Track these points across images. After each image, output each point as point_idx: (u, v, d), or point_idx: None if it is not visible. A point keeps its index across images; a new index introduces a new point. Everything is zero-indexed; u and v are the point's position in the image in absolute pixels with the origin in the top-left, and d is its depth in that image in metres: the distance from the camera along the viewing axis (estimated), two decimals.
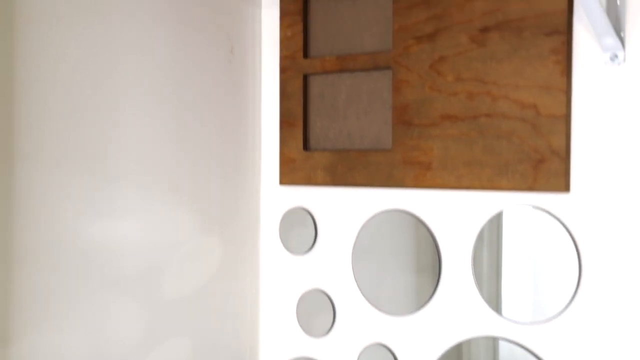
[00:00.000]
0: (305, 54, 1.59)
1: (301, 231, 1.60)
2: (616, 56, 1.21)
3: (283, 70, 1.61)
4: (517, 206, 1.31)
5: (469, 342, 1.38)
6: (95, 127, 1.30)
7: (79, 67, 1.26)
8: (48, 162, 1.21)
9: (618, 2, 1.20)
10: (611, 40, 1.19)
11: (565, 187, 1.26)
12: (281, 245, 1.63)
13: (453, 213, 1.40)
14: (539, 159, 1.28)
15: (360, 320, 1.52)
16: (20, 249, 1.15)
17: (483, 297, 1.36)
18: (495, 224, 1.34)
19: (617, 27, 1.20)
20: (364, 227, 1.51)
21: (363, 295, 1.51)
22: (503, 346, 1.34)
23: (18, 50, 1.15)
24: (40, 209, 1.19)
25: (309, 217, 1.58)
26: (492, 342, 1.35)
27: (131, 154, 1.38)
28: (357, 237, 1.51)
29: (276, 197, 1.64)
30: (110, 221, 1.34)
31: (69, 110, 1.24)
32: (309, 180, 1.57)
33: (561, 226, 1.27)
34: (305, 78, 1.59)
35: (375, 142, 1.50)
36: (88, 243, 1.28)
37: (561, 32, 1.25)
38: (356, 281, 1.52)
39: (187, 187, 1.49)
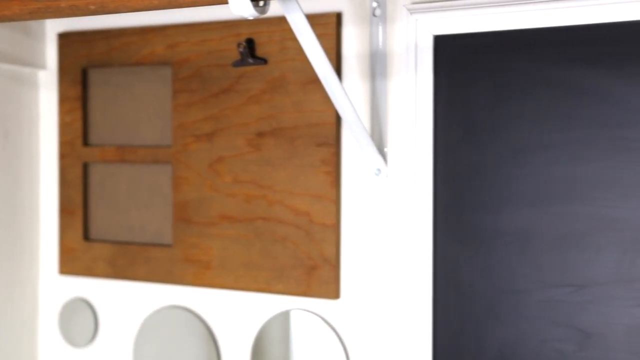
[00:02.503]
0: (85, 142, 1.55)
1: (82, 323, 1.55)
2: (380, 171, 1.27)
3: (62, 156, 1.56)
4: (293, 310, 1.35)
5: None
6: None
7: None
8: None
9: (381, 121, 1.27)
10: (375, 157, 1.25)
11: (335, 294, 1.30)
12: (61, 337, 1.57)
13: (232, 312, 1.41)
14: (312, 265, 1.32)
15: None
16: None
17: None
18: (281, 324, 1.36)
19: (381, 145, 1.27)
20: (145, 322, 1.49)
21: None
22: None
23: None
24: None
25: (89, 308, 1.54)
26: None
27: None
28: (139, 332, 1.49)
29: (55, 287, 1.58)
30: None
31: None
32: (90, 271, 1.53)
33: (332, 331, 1.31)
34: (85, 166, 1.55)
35: (157, 237, 1.49)
36: None
37: (331, 144, 1.30)
38: None
39: None
